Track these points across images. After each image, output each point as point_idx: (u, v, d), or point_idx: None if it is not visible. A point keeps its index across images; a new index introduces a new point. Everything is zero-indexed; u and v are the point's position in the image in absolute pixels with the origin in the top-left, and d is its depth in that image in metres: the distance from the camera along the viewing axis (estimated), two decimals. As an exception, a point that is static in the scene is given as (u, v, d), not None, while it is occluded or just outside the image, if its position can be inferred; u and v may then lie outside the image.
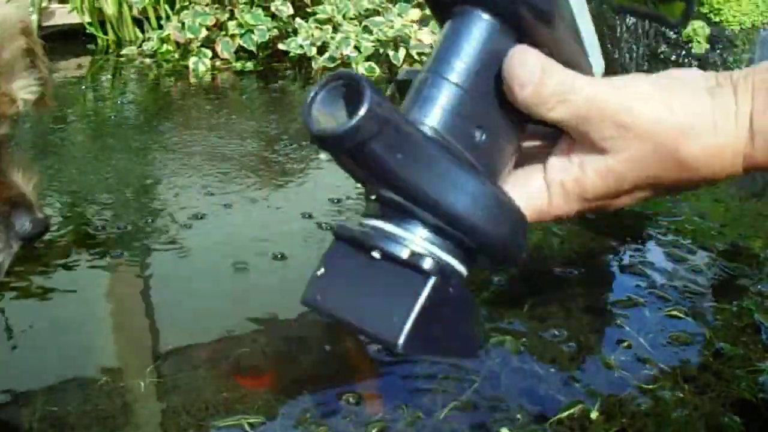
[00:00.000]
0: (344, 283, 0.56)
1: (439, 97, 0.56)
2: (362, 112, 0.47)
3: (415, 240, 0.55)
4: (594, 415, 1.15)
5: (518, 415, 1.14)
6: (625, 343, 1.34)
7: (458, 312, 0.58)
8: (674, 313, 1.44)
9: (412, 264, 0.54)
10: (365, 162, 0.51)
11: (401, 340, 0.53)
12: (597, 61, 0.63)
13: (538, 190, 0.61)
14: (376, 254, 0.55)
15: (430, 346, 0.56)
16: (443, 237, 0.55)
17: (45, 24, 3.40)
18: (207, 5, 3.22)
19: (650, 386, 1.23)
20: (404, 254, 0.54)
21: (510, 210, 0.57)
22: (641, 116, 0.54)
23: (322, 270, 0.57)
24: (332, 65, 3.13)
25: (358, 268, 0.55)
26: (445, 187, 0.53)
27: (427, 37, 3.19)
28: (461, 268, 0.58)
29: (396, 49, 3.14)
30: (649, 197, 0.62)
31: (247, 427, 1.10)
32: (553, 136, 0.62)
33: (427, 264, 0.54)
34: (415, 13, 3.29)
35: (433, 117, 0.56)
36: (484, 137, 0.57)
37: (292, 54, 3.21)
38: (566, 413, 1.15)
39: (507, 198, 0.58)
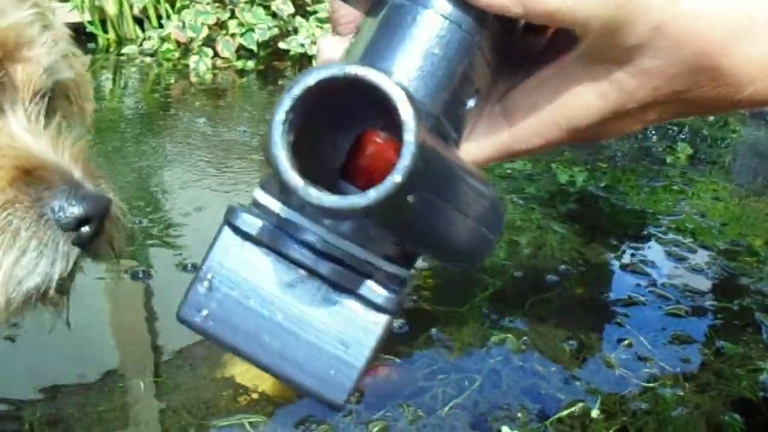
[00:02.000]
0: (246, 303, 0.38)
1: (440, 53, 0.38)
2: (407, 165, 0.30)
3: (377, 265, 0.38)
4: (594, 413, 1.15)
5: (519, 414, 1.14)
6: (626, 342, 1.34)
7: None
8: (675, 311, 1.44)
9: (366, 298, 0.38)
10: (384, 217, 0.34)
11: (345, 398, 0.39)
12: None
13: (501, 123, 0.44)
14: (302, 271, 0.38)
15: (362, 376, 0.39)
16: (407, 258, 0.40)
17: (45, 23, 3.41)
18: (208, 4, 3.22)
19: (651, 385, 1.23)
20: (356, 286, 0.38)
21: (500, 215, 0.42)
22: (686, 15, 0.38)
23: (210, 276, 0.38)
24: (333, 64, 3.14)
25: (270, 285, 0.38)
26: (457, 225, 0.37)
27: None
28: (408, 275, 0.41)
29: (396, 48, 3.14)
30: (658, 121, 0.45)
31: (248, 426, 1.10)
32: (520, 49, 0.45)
33: (384, 299, 0.38)
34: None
35: (427, 92, 0.38)
36: (473, 103, 0.41)
37: (292, 53, 3.21)
38: (567, 412, 1.15)
39: (496, 197, 0.41)
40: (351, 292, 0.38)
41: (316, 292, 0.38)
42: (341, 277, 0.38)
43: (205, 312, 0.38)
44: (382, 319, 0.38)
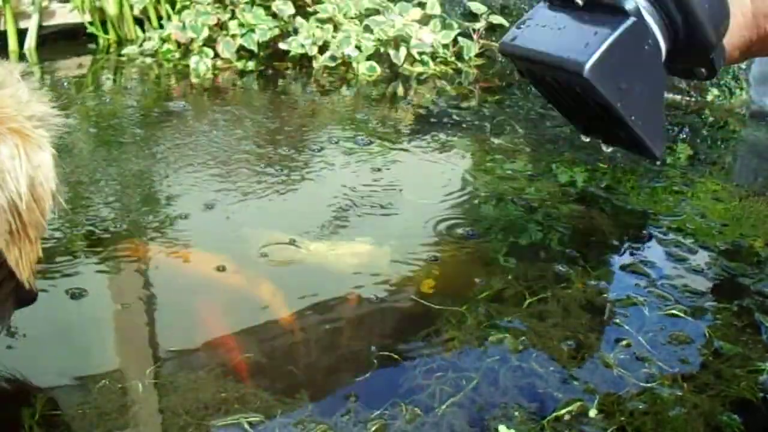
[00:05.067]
0: (542, 28, 0.59)
1: None
2: None
3: None
4: (592, 413, 1.15)
5: (516, 413, 1.14)
6: (624, 342, 1.34)
7: (649, 82, 0.60)
8: (674, 312, 1.44)
9: (615, 6, 0.56)
10: None
11: (590, 63, 0.55)
12: None
13: None
14: (579, 1, 0.57)
15: (616, 95, 0.58)
16: (654, 4, 0.58)
17: (46, 23, 3.41)
18: (208, 5, 3.22)
19: (649, 385, 1.23)
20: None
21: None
22: None
23: (525, 20, 0.61)
24: (333, 64, 3.14)
25: (559, 17, 0.58)
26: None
27: (428, 36, 3.19)
28: (660, 39, 0.59)
29: (397, 48, 3.14)
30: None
31: (246, 426, 1.11)
32: None
33: (629, 5, 0.56)
34: (415, 13, 3.29)
35: None
36: None
37: (293, 53, 3.21)
38: (564, 411, 1.15)
39: None
40: (610, 8, 0.57)
41: (589, 14, 0.57)
42: (605, 3, 0.57)
43: (517, 40, 0.62)
44: (626, 22, 0.57)
